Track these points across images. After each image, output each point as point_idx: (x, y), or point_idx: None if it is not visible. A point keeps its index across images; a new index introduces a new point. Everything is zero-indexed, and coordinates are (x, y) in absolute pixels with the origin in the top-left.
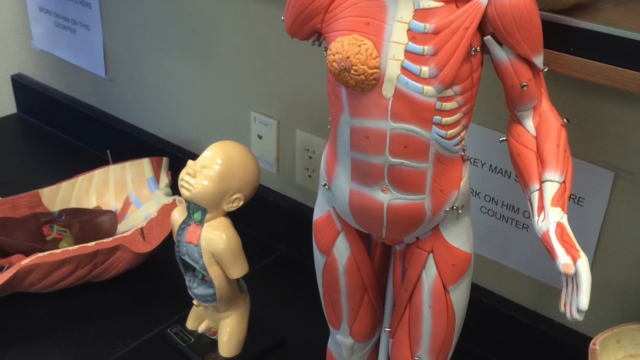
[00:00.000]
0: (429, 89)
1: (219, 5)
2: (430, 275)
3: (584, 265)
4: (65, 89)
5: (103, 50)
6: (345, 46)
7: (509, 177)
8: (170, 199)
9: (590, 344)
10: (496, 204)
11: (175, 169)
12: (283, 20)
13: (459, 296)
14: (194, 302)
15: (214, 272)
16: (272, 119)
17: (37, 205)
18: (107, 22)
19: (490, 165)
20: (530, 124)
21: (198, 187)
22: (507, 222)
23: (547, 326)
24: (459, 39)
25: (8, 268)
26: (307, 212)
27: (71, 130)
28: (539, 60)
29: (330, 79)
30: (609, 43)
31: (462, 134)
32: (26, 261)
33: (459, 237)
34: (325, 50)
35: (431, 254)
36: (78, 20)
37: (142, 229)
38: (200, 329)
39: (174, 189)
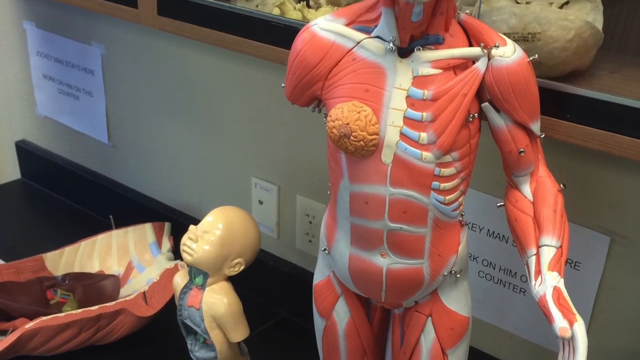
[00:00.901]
0: (427, 155)
1: (220, 72)
2: (428, 338)
3: (580, 329)
4: (69, 154)
5: (106, 117)
6: (344, 113)
7: (507, 242)
8: (172, 264)
9: None
10: (494, 269)
11: (177, 234)
12: (283, 87)
13: (457, 359)
14: None
15: (215, 336)
16: (273, 185)
17: (40, 269)
18: (110, 89)
19: (488, 230)
20: (527, 190)
21: (200, 252)
22: (504, 286)
23: None
24: (457, 106)
25: (12, 331)
26: (308, 276)
27: (74, 195)
28: (536, 127)
29: (330, 145)
30: (605, 110)
31: (460, 200)
32: (30, 325)
33: (457, 301)
34: (325, 116)
35: (430, 318)
36: (81, 87)
37: (144, 293)
38: None
39: (176, 253)
